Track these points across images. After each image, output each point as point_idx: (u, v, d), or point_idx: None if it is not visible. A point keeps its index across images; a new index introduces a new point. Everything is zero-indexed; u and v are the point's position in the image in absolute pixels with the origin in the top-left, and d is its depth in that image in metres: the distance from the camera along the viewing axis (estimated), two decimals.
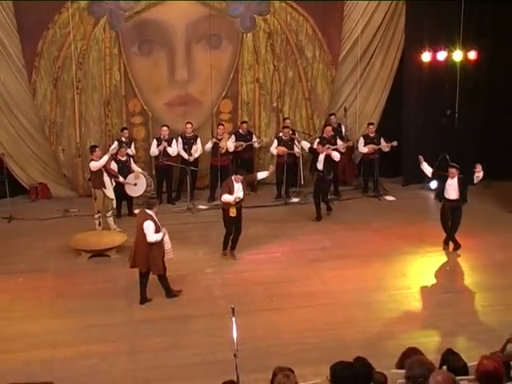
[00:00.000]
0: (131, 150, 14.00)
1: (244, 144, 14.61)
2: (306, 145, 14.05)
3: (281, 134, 14.45)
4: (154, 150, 14.02)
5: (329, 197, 13.72)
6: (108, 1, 13.81)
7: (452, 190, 11.27)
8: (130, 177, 13.22)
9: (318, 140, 14.00)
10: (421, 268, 11.13)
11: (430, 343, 8.30)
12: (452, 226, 11.48)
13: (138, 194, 13.28)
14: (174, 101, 14.63)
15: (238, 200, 10.99)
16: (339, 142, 14.27)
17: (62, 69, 13.92)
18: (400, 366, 5.42)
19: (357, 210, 13.96)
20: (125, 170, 13.21)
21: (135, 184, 13.22)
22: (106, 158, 12.38)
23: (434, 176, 12.02)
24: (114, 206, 12.82)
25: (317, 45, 14.87)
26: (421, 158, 11.82)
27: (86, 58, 14.00)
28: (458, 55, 13.85)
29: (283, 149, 14.20)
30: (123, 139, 13.88)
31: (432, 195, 13.91)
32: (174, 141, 14.08)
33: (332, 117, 15.01)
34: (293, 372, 5.25)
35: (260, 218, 13.19)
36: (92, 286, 10.44)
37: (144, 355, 8.48)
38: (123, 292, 10.19)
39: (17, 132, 14.15)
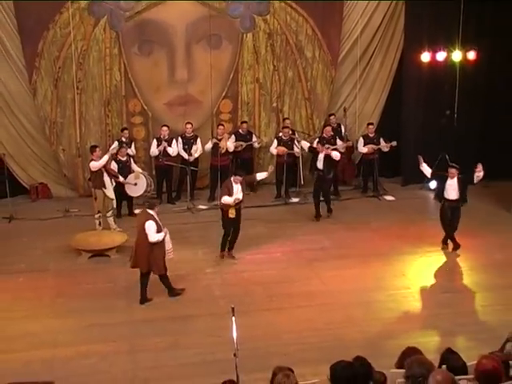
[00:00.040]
0: (131, 150, 14.02)
1: (244, 144, 14.63)
2: (305, 144, 14.07)
3: (280, 134, 14.47)
4: (154, 149, 14.04)
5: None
6: (108, 0, 13.84)
7: (452, 190, 11.29)
8: (131, 177, 13.24)
9: (317, 140, 14.03)
10: (420, 268, 11.15)
11: (430, 343, 8.30)
12: (451, 226, 11.50)
13: (138, 194, 13.31)
14: (174, 101, 14.65)
15: (237, 201, 11.00)
16: (339, 142, 14.28)
17: (62, 69, 13.94)
18: (399, 365, 5.44)
19: (356, 209, 13.98)
20: (125, 170, 13.23)
21: (135, 184, 13.24)
22: (106, 157, 12.40)
23: (434, 176, 12.05)
24: (114, 205, 12.84)
25: (316, 45, 14.89)
26: (420, 158, 11.84)
27: (87, 58, 14.02)
28: (457, 55, 13.88)
29: (283, 149, 14.22)
30: (123, 139, 13.90)
31: (431, 195, 13.93)
32: (174, 141, 14.10)
33: (332, 117, 15.03)
34: (292, 372, 5.26)
35: (260, 218, 13.22)
36: (92, 286, 10.46)
37: (144, 355, 8.50)
38: (123, 292, 10.21)
39: (17, 132, 14.18)
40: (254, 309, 9.50)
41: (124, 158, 13.34)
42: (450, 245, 11.66)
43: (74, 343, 8.73)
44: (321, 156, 13.15)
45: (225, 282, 10.65)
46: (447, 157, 13.68)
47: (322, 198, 13.39)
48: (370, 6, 14.76)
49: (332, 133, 14.28)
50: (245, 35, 14.65)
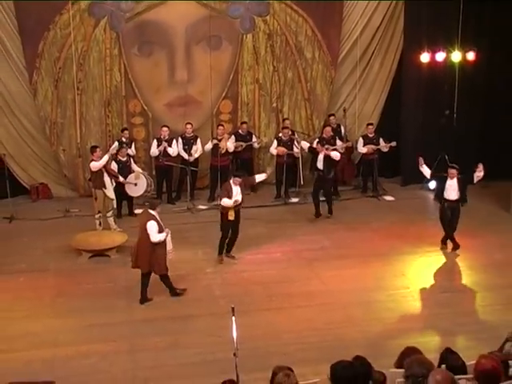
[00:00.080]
0: (131, 151, 14.05)
1: (244, 144, 14.65)
2: (305, 145, 14.07)
3: (280, 135, 14.49)
4: (154, 150, 14.06)
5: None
6: (109, 0, 13.85)
7: (452, 190, 11.30)
8: (131, 177, 13.26)
9: (317, 140, 14.05)
10: (420, 268, 11.17)
11: (429, 342, 8.32)
12: (451, 226, 11.52)
13: (139, 194, 13.33)
14: (174, 101, 14.68)
15: (236, 203, 11.00)
16: (338, 142, 14.29)
17: (62, 69, 13.96)
18: (399, 365, 5.45)
19: (356, 210, 14.00)
20: (125, 170, 13.25)
21: (135, 184, 13.26)
22: (106, 158, 12.43)
23: (433, 177, 12.08)
24: (115, 206, 12.86)
25: (316, 46, 14.91)
26: (421, 159, 11.85)
27: (87, 58, 14.04)
28: (456, 56, 13.89)
29: (283, 149, 14.24)
30: (124, 140, 13.92)
31: (431, 195, 13.93)
32: (174, 141, 14.12)
33: (331, 117, 15.04)
34: (292, 371, 5.28)
35: (260, 218, 13.24)
36: (92, 286, 10.48)
37: (144, 354, 8.52)
38: (123, 292, 10.23)
39: (18, 132, 14.20)
40: (254, 308, 9.52)
41: (124, 159, 13.37)
42: (450, 245, 11.68)
43: (75, 343, 8.76)
44: (321, 156, 13.18)
45: (225, 282, 10.67)
46: (447, 157, 13.70)
47: (321, 198, 13.41)
48: (370, 7, 14.79)
49: (332, 133, 14.28)
50: (245, 36, 14.67)
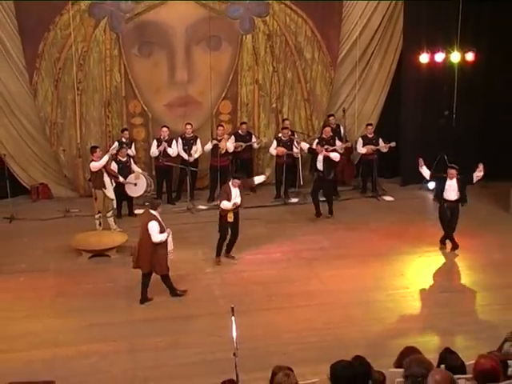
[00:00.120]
0: (131, 151, 14.06)
1: (243, 145, 14.67)
2: (305, 146, 14.10)
3: (280, 135, 14.51)
4: (154, 150, 14.08)
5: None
6: (109, 1, 13.88)
7: (451, 190, 11.32)
8: (131, 177, 13.28)
9: (316, 141, 14.08)
10: (419, 268, 11.19)
11: (428, 342, 8.35)
12: (450, 226, 11.54)
13: (138, 195, 13.37)
14: (173, 102, 14.70)
15: (235, 206, 10.98)
16: (338, 142, 14.32)
17: (62, 70, 13.98)
18: (398, 364, 5.46)
19: (355, 210, 14.02)
20: (125, 170, 13.27)
21: (135, 184, 13.29)
22: (106, 158, 12.44)
23: (432, 178, 12.10)
24: (115, 206, 12.88)
25: (316, 46, 14.93)
26: (421, 160, 11.86)
27: (87, 59, 14.06)
28: (455, 56, 13.93)
29: (282, 149, 14.26)
30: (124, 140, 13.94)
31: (430, 195, 13.95)
32: (174, 141, 14.14)
33: (331, 118, 15.06)
34: (292, 371, 5.29)
35: (259, 218, 13.26)
36: (92, 286, 10.50)
37: (144, 354, 8.54)
38: (123, 291, 10.25)
39: (18, 133, 14.22)
40: (254, 308, 9.53)
41: (124, 159, 13.38)
42: (449, 245, 11.70)
43: (75, 343, 8.78)
44: (320, 157, 13.20)
45: (225, 282, 10.69)
46: (446, 157, 13.73)
47: (321, 198, 13.43)
48: (369, 7, 14.81)
49: (331, 133, 14.31)
50: (244, 37, 14.69)
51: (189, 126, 14.22)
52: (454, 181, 11.28)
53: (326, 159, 13.17)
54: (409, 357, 5.17)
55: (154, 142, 14.14)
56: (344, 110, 15.23)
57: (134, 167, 13.57)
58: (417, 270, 11.09)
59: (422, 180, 13.46)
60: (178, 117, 14.64)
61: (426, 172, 11.94)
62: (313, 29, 14.78)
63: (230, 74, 14.83)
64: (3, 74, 13.76)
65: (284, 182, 14.40)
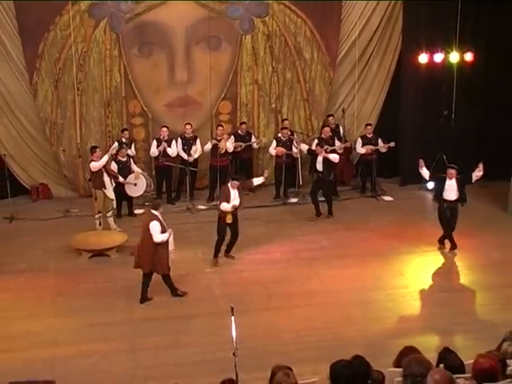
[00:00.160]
0: (131, 151, 14.08)
1: (243, 145, 14.69)
2: (304, 147, 14.13)
3: (279, 135, 14.53)
4: (154, 150, 14.10)
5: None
6: (109, 1, 13.90)
7: (451, 190, 11.34)
8: (130, 177, 13.30)
9: (316, 141, 14.10)
10: (418, 267, 11.21)
11: (428, 342, 8.35)
12: (449, 226, 11.56)
13: (138, 194, 13.40)
14: (173, 102, 14.71)
15: (234, 207, 10.99)
16: (337, 142, 14.36)
17: (62, 70, 14.00)
18: (397, 364, 5.47)
19: (355, 210, 14.03)
20: (125, 170, 13.28)
21: (135, 184, 13.31)
22: (105, 158, 12.46)
23: (432, 179, 12.12)
24: (115, 206, 12.89)
25: (315, 46, 14.94)
26: (421, 161, 11.86)
27: (87, 59, 14.08)
28: (454, 57, 13.97)
29: (282, 149, 14.28)
30: (123, 140, 13.97)
31: (429, 195, 13.98)
32: (174, 141, 14.16)
33: (330, 118, 15.08)
34: (292, 370, 5.30)
35: (259, 218, 13.28)
36: (92, 286, 10.52)
37: (144, 354, 8.56)
38: (123, 291, 10.26)
39: (18, 133, 14.23)
40: (254, 308, 9.55)
41: (124, 159, 13.40)
42: (447, 244, 11.72)
43: (75, 342, 8.79)
44: (320, 158, 13.20)
45: (224, 282, 10.71)
46: (445, 157, 13.76)
47: (321, 199, 13.44)
48: (368, 8, 14.82)
49: (330, 133, 14.36)
50: (244, 37, 14.70)
51: (188, 126, 14.24)
52: (454, 181, 11.30)
53: (326, 160, 13.18)
54: (408, 356, 5.18)
55: (154, 142, 14.16)
56: (343, 110, 15.24)
57: (134, 167, 13.59)
58: (416, 270, 11.10)
59: (422, 180, 13.46)
60: (177, 117, 14.66)
61: (425, 173, 11.95)
62: (312, 29, 14.80)
63: (229, 74, 14.85)
64: (3, 74, 13.78)
65: (283, 182, 14.42)
